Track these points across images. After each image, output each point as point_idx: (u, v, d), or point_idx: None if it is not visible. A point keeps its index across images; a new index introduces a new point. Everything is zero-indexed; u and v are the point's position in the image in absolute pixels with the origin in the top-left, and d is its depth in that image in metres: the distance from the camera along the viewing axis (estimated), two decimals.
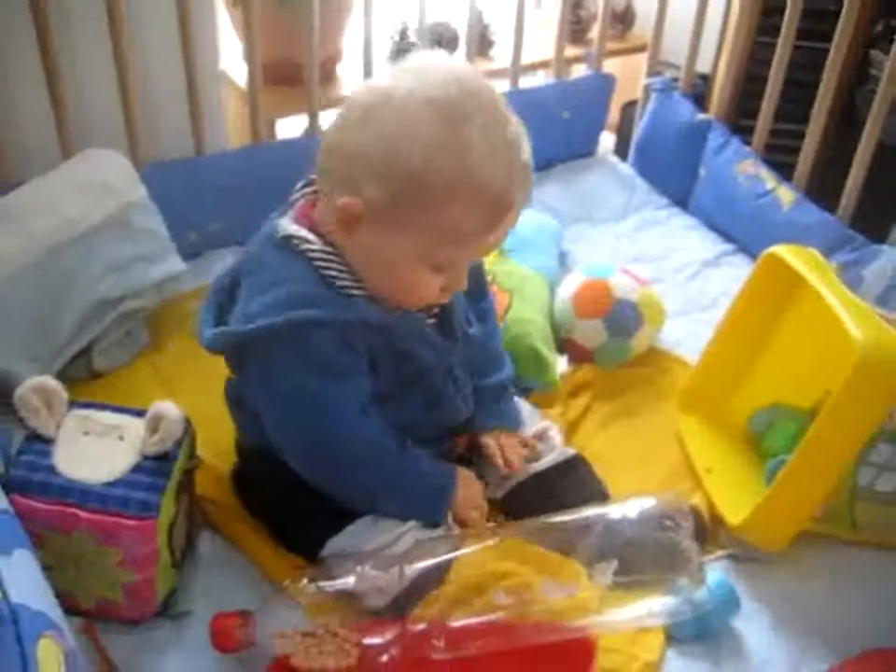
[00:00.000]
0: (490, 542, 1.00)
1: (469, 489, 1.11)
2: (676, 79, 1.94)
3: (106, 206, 1.40)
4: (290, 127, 1.92)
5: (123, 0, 1.46)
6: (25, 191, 1.39)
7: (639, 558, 1.00)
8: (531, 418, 1.25)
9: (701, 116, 1.84)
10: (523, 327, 1.39)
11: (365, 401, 1.04)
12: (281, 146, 1.73)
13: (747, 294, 1.32)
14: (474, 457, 1.19)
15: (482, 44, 2.14)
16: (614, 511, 1.04)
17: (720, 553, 1.19)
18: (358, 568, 0.97)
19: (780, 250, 1.25)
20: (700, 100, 1.92)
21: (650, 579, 0.99)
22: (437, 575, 0.98)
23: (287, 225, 1.03)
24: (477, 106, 0.93)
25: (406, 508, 1.07)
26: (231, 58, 1.88)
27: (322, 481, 1.06)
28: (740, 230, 1.75)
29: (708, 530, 1.20)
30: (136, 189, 1.45)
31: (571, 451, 1.23)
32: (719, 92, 1.86)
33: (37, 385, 1.06)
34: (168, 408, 1.05)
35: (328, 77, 1.96)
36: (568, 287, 1.49)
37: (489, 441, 1.16)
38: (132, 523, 0.99)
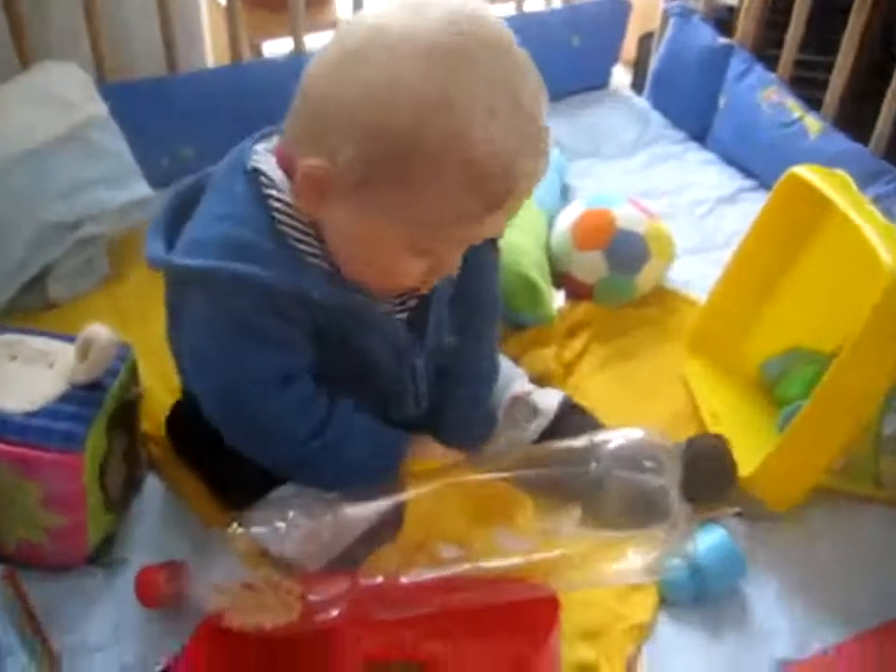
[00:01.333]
0: (431, 486, 0.86)
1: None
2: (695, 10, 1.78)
3: (61, 121, 1.28)
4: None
5: None
6: None
7: (607, 503, 0.86)
8: (514, 379, 1.11)
9: (722, 40, 1.69)
10: (514, 254, 1.26)
11: (289, 373, 0.88)
12: (263, 65, 1.61)
13: (763, 222, 1.18)
14: None
15: None
16: (579, 441, 0.89)
17: (724, 509, 1.06)
18: (287, 516, 0.84)
19: (803, 170, 1.11)
20: (722, 27, 1.76)
21: (619, 528, 0.85)
22: (393, 521, 0.86)
23: (262, 157, 0.87)
24: (485, 59, 0.76)
25: (338, 485, 0.90)
26: None
27: (236, 445, 0.92)
28: (761, 162, 1.61)
29: (736, 468, 1.06)
30: (96, 104, 1.33)
31: (557, 400, 1.08)
32: (743, 17, 1.70)
33: None
34: (99, 331, 0.94)
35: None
36: (567, 217, 1.36)
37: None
38: (53, 456, 0.88)
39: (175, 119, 1.48)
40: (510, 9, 1.77)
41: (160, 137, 1.46)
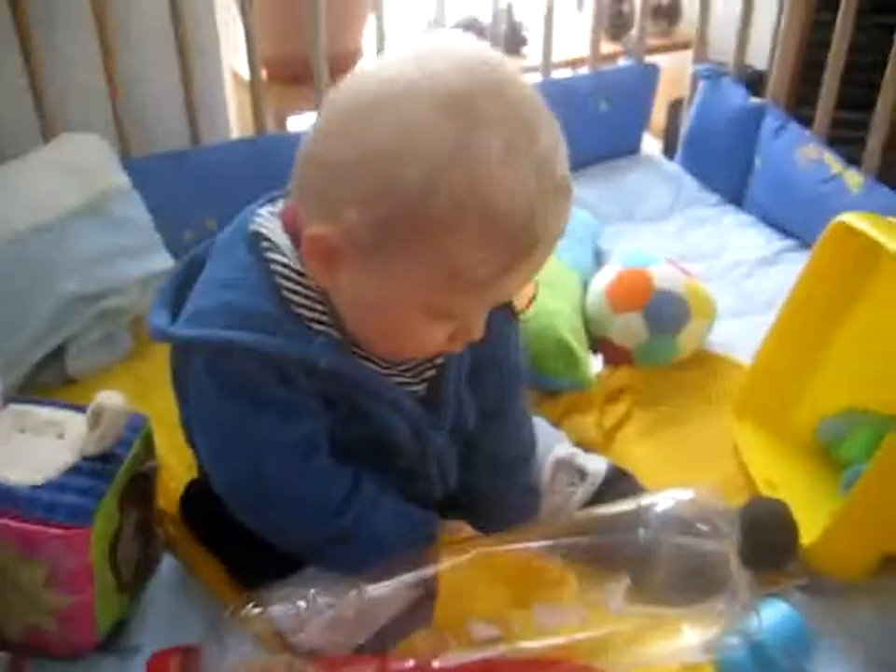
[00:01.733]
0: (465, 557, 0.78)
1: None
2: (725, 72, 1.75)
3: (82, 192, 1.26)
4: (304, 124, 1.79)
5: None
6: None
7: (658, 573, 0.78)
8: (553, 439, 1.04)
9: (755, 100, 1.65)
10: (549, 318, 1.20)
11: (307, 443, 0.82)
12: (286, 138, 1.58)
13: (810, 276, 1.11)
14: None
15: (513, 41, 2.00)
16: (625, 505, 0.81)
17: (788, 581, 0.97)
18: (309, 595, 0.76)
19: (851, 217, 1.05)
20: (753, 89, 1.73)
21: (673, 602, 0.76)
22: (425, 602, 0.78)
23: (266, 221, 0.82)
24: (499, 110, 0.70)
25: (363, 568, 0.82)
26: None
27: (255, 526, 0.85)
28: (801, 221, 1.55)
29: (798, 533, 0.97)
30: (117, 174, 1.31)
31: (604, 466, 1.01)
32: (774, 77, 1.67)
33: None
34: (110, 398, 0.89)
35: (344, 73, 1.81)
36: (603, 279, 1.31)
37: None
38: (57, 531, 0.82)
39: (198, 190, 1.46)
40: (536, 77, 1.74)
41: (182, 209, 1.44)
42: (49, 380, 1.24)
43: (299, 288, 0.80)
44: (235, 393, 0.79)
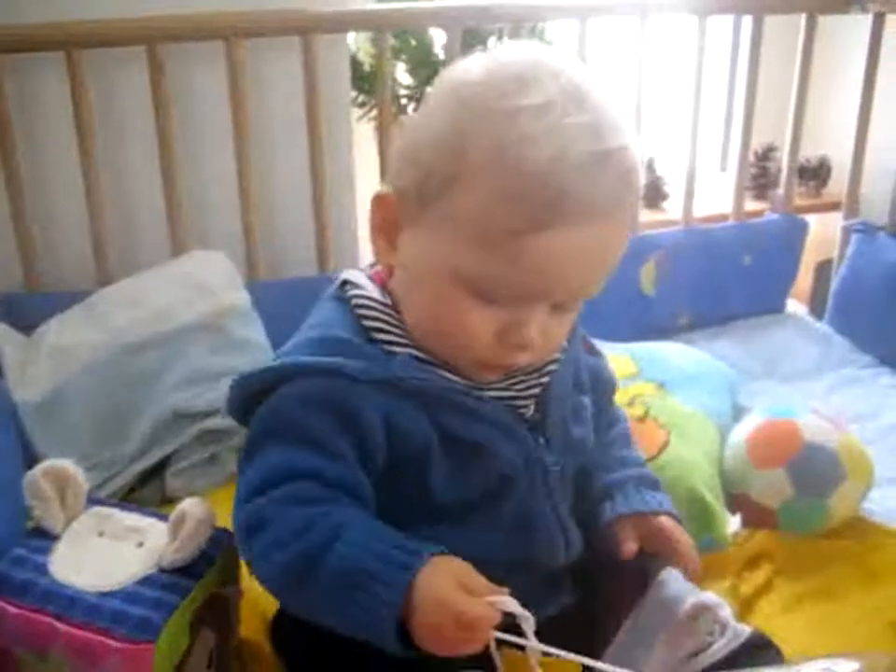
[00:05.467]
0: None
1: (442, 585, 0.68)
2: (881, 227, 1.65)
3: (200, 308, 1.25)
4: None
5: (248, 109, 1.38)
6: (117, 286, 1.27)
7: None
8: (685, 591, 0.92)
9: None
10: (682, 468, 1.09)
11: (305, 474, 0.74)
12: None
13: None
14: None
15: (654, 195, 1.95)
16: None
17: None
18: None
19: None
20: None
21: None
22: None
23: (351, 272, 0.84)
24: (554, 83, 0.71)
25: (334, 611, 0.70)
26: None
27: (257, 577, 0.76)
28: None
29: None
30: (238, 293, 1.30)
31: (748, 629, 0.87)
32: None
33: (51, 470, 0.86)
34: (194, 506, 0.82)
35: None
36: (744, 430, 1.19)
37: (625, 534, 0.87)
38: (119, 644, 0.74)
39: None
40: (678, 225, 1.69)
41: None
42: (148, 497, 1.19)
43: (378, 315, 0.79)
44: (268, 427, 0.77)
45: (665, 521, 0.89)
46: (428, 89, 0.80)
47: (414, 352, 0.78)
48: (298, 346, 0.79)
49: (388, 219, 0.77)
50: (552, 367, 0.84)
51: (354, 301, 0.80)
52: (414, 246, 0.76)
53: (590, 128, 0.70)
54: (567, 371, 0.87)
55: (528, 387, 0.83)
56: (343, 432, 0.75)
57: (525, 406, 0.83)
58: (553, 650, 0.69)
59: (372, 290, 0.81)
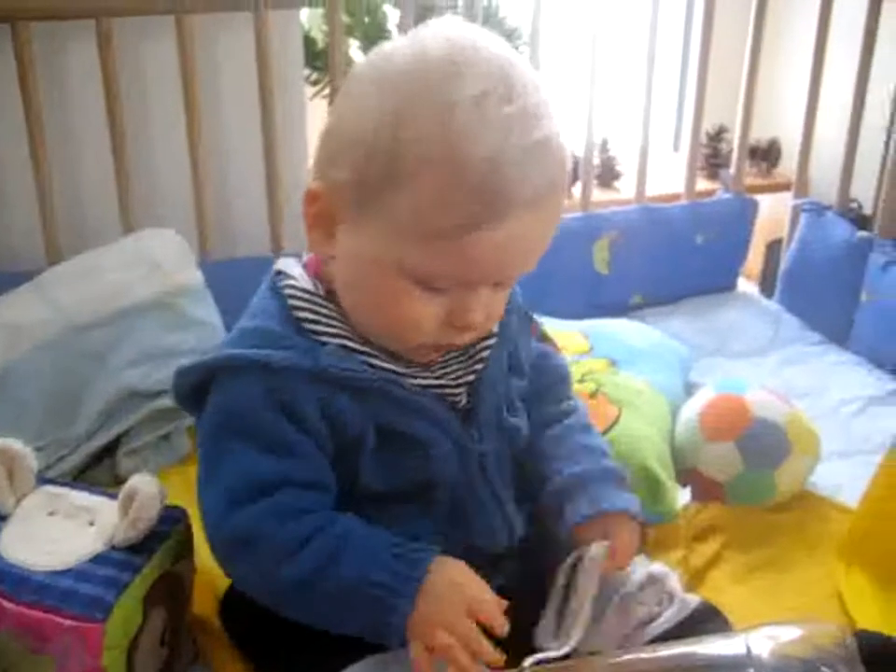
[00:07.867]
0: None
1: (450, 591, 0.74)
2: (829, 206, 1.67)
3: (152, 286, 1.23)
4: None
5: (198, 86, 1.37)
6: (67, 264, 1.25)
7: None
8: (637, 563, 0.93)
9: (862, 234, 1.56)
10: (633, 443, 1.10)
11: (281, 481, 0.76)
12: None
13: None
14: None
15: (607, 174, 1.96)
16: (729, 641, 0.68)
17: None
18: None
19: None
20: (858, 224, 1.64)
21: None
22: None
23: (285, 261, 0.84)
24: (483, 67, 0.70)
25: (340, 618, 0.75)
26: None
27: (229, 576, 0.80)
28: None
29: None
30: (190, 272, 1.28)
31: (696, 599, 0.90)
32: (882, 209, 1.58)
33: None
34: (143, 482, 0.81)
35: None
36: (695, 405, 1.21)
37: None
38: (69, 623, 0.74)
39: None
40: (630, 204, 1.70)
41: None
42: (100, 477, 1.18)
43: (310, 306, 0.79)
44: (225, 426, 0.77)
45: (622, 525, 0.87)
46: (353, 70, 0.79)
47: (347, 342, 0.79)
48: (233, 339, 0.80)
49: (323, 214, 0.76)
50: (485, 352, 0.84)
51: (285, 292, 0.80)
52: (355, 239, 0.75)
53: (525, 117, 0.70)
54: (501, 354, 0.86)
55: (461, 376, 0.83)
56: (290, 423, 0.76)
57: (458, 395, 0.83)
58: None
59: (304, 280, 0.81)
